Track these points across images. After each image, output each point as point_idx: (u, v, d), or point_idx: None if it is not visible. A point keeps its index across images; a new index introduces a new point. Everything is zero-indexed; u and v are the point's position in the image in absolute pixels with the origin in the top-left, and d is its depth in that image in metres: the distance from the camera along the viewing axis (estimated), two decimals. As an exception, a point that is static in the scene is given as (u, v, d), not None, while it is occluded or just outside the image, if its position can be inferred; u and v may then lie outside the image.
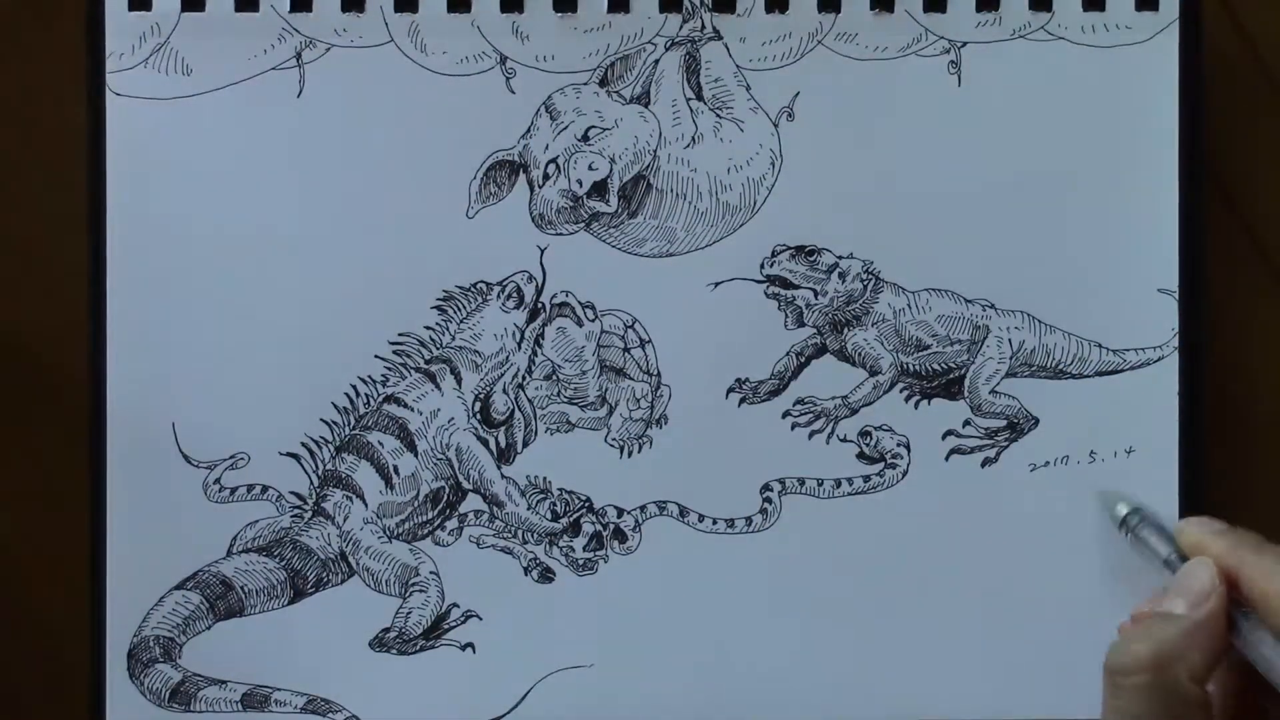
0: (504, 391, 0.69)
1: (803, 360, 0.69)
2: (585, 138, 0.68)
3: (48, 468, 0.71)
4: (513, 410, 0.69)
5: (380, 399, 0.68)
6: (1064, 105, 0.68)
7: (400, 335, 0.68)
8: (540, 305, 0.69)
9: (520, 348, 0.69)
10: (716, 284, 0.68)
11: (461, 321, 0.68)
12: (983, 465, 0.68)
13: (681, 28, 0.68)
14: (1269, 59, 0.73)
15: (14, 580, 0.72)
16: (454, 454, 0.68)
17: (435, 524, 0.68)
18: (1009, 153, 0.68)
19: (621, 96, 0.68)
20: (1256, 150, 0.73)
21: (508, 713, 0.68)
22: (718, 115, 0.68)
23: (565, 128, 0.68)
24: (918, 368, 0.69)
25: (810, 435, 0.68)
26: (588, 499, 0.68)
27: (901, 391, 0.69)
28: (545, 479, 0.68)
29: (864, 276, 0.69)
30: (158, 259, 0.68)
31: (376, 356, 0.68)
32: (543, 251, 0.68)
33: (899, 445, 0.68)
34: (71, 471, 0.70)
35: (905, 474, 0.68)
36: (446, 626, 0.68)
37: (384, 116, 0.68)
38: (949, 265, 0.69)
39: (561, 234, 0.68)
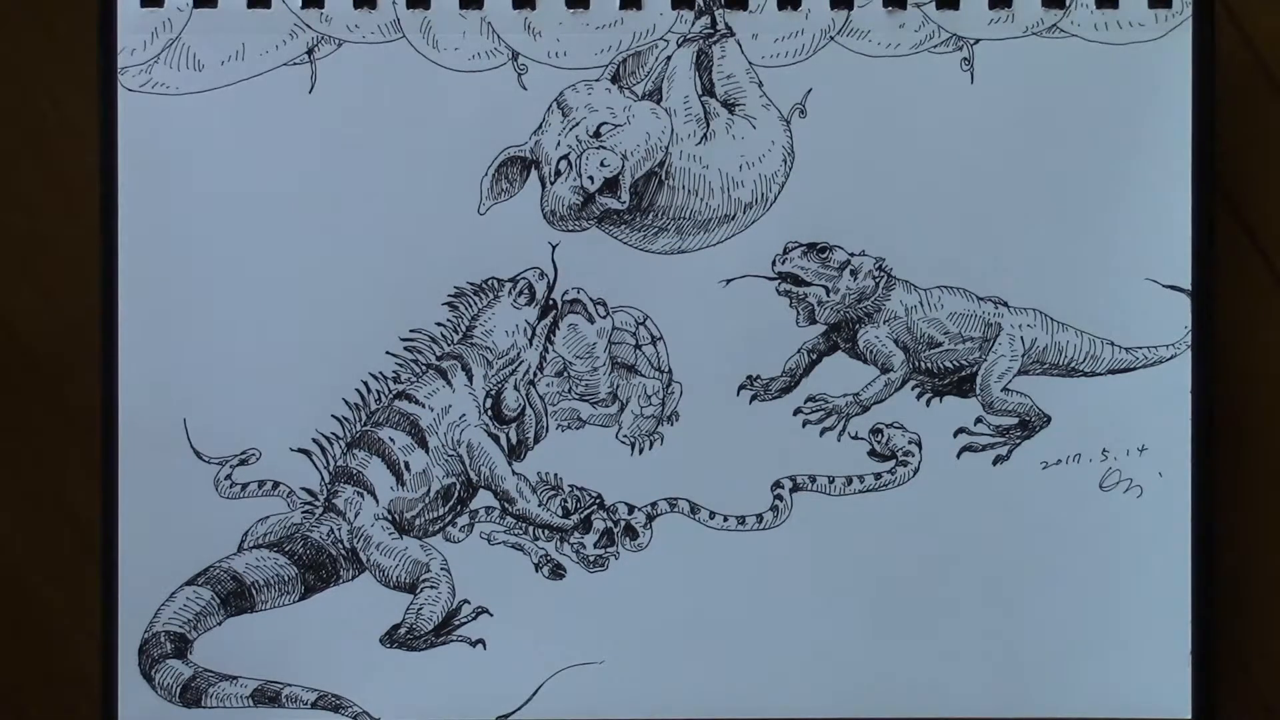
0: (515, 388, 0.69)
1: (814, 357, 0.69)
2: (597, 134, 0.68)
3: (60, 464, 0.71)
4: (524, 407, 0.69)
5: (391, 395, 0.68)
6: (1076, 103, 0.68)
7: (412, 331, 0.68)
8: (552, 302, 0.68)
9: (531, 344, 0.69)
10: (728, 281, 0.68)
11: (473, 318, 0.68)
12: (994, 463, 0.68)
13: (694, 24, 0.68)
14: (1271, 62, 0.72)
15: (26, 576, 0.72)
16: (465, 450, 0.68)
17: (446, 520, 0.68)
18: (1021, 150, 0.68)
19: (634, 93, 0.68)
20: (1260, 152, 0.72)
21: (518, 709, 0.68)
22: (730, 112, 0.68)
23: (577, 124, 0.68)
24: (929, 365, 0.69)
25: (822, 433, 0.68)
26: (599, 496, 0.68)
27: (913, 389, 0.69)
28: (556, 475, 0.68)
29: (876, 273, 0.68)
30: (169, 255, 0.68)
31: (388, 353, 0.68)
32: (554, 248, 0.68)
33: (910, 443, 0.68)
34: (83, 467, 0.70)
35: (917, 471, 0.68)
36: (457, 623, 0.68)
37: (396, 113, 0.68)
38: (961, 262, 0.68)
39: (573, 230, 0.68)
